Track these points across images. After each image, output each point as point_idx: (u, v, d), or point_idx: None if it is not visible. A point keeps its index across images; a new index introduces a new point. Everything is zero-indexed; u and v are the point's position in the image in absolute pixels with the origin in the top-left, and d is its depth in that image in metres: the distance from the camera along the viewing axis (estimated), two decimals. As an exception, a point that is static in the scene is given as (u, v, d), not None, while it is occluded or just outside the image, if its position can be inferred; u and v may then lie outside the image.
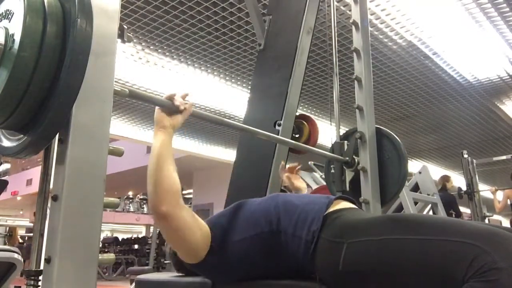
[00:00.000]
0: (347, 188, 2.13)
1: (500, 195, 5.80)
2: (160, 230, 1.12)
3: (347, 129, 2.38)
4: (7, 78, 0.76)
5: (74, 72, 0.79)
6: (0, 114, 0.81)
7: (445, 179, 5.31)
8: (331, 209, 1.11)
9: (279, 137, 1.81)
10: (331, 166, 2.23)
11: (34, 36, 0.77)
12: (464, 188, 5.29)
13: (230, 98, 5.04)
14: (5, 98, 0.78)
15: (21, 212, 18.06)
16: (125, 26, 1.03)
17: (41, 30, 0.78)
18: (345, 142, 2.19)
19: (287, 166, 1.79)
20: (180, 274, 1.35)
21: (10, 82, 0.76)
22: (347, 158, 2.13)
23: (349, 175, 2.15)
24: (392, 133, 2.28)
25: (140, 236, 13.89)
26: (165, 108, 1.12)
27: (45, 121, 0.80)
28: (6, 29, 0.81)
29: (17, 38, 0.77)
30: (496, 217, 11.01)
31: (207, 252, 1.11)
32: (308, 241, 1.06)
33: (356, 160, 2.14)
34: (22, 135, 0.85)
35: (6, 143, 0.89)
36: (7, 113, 0.81)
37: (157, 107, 1.13)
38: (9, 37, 0.80)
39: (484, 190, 6.15)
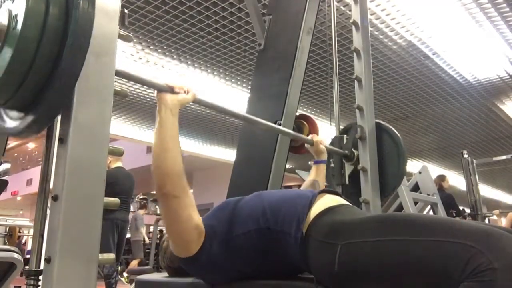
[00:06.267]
0: (347, 182, 2.14)
1: (503, 220, 5.76)
2: (161, 213, 1.12)
3: (347, 129, 2.38)
4: (10, 58, 0.78)
5: (76, 53, 0.79)
6: (3, 93, 0.83)
7: (441, 178, 5.30)
8: (320, 208, 1.10)
9: (280, 127, 1.81)
10: (331, 160, 2.23)
11: (36, 18, 0.78)
12: (464, 187, 5.29)
13: (230, 98, 5.05)
14: (8, 77, 0.79)
15: (21, 212, 18.06)
16: (126, 11, 1.02)
17: (43, 11, 0.79)
18: (345, 136, 2.20)
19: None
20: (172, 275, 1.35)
21: (13, 62, 0.78)
22: (347, 151, 2.13)
23: (348, 168, 2.16)
24: (392, 127, 2.28)
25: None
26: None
27: (47, 101, 0.81)
28: (10, 10, 0.82)
29: (20, 19, 0.78)
30: (495, 217, 11.00)
31: (199, 249, 1.10)
32: (298, 238, 1.05)
33: (355, 153, 2.14)
34: (24, 114, 0.85)
35: (9, 123, 0.90)
36: (10, 92, 0.82)
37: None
38: (12, 18, 0.81)
39: (488, 213, 6.04)
